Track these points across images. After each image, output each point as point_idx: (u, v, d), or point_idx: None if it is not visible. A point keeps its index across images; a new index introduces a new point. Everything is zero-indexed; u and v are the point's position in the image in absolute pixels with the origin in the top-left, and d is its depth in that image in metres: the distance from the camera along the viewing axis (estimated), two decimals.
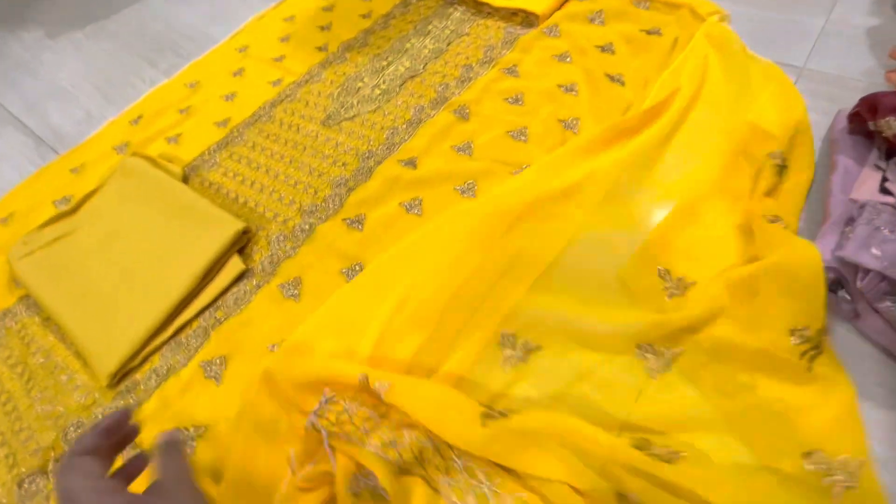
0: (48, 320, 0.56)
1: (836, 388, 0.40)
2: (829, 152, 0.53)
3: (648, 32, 0.71)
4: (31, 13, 1.10)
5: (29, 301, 0.59)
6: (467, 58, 0.76)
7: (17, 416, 0.50)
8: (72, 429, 0.48)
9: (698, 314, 0.45)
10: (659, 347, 0.45)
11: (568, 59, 0.72)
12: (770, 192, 0.52)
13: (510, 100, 0.69)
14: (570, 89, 0.68)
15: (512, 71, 0.72)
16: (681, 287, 0.48)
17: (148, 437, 0.46)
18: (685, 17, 0.71)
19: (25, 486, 0.45)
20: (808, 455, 0.37)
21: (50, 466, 0.46)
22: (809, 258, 0.42)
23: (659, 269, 0.49)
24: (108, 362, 0.50)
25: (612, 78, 0.67)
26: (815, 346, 0.41)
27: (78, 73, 0.94)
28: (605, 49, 0.71)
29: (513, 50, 0.75)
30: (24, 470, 0.46)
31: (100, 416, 0.48)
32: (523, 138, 0.64)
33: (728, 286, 0.45)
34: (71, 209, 0.65)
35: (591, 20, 0.76)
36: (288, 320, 0.52)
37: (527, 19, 0.79)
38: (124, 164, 0.68)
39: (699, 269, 0.49)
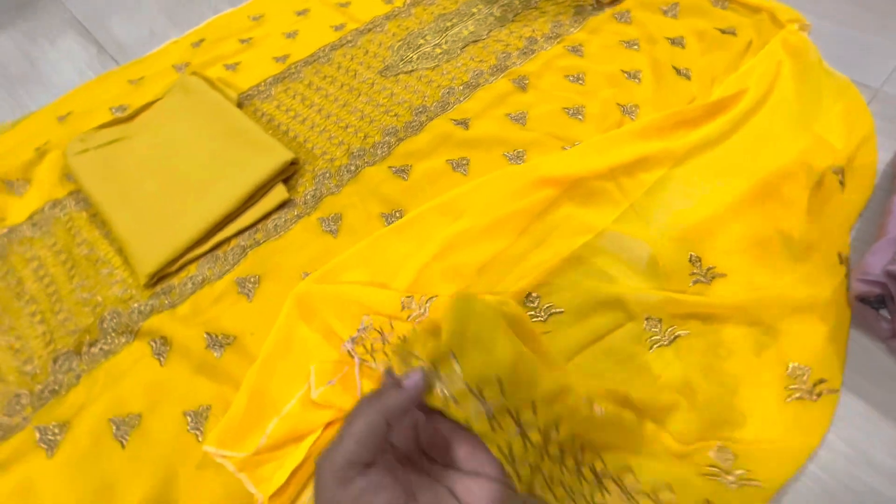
0: (95, 216, 0.58)
1: (804, 430, 0.40)
2: (893, 174, 0.51)
3: (723, 31, 0.70)
4: None
5: (79, 196, 0.61)
6: (533, 30, 0.75)
7: (58, 298, 0.52)
8: (108, 317, 0.50)
9: (713, 304, 0.46)
10: (665, 325, 0.45)
11: (635, 47, 0.71)
12: (822, 207, 0.51)
13: (571, 77, 0.68)
14: (633, 76, 0.67)
15: (577, 50, 0.72)
16: (708, 276, 0.48)
17: (179, 334, 0.48)
18: (764, 21, 0.69)
19: (59, 362, 0.47)
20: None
21: (84, 349, 0.48)
22: (843, 309, 0.42)
23: (691, 255, 0.49)
24: (148, 263, 0.52)
25: (678, 71, 0.66)
26: (808, 391, 0.41)
27: None
28: (675, 42, 0.70)
29: (581, 29, 0.74)
30: (60, 347, 0.48)
31: (136, 312, 0.50)
32: (579, 116, 0.63)
33: (759, 300, 0.45)
34: (128, 116, 0.67)
35: (665, 12, 0.75)
36: (323, 252, 0.53)
37: (598, 1, 0.78)
38: (183, 81, 0.69)
39: (731, 264, 0.49)
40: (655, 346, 0.45)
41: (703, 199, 0.53)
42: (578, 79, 0.68)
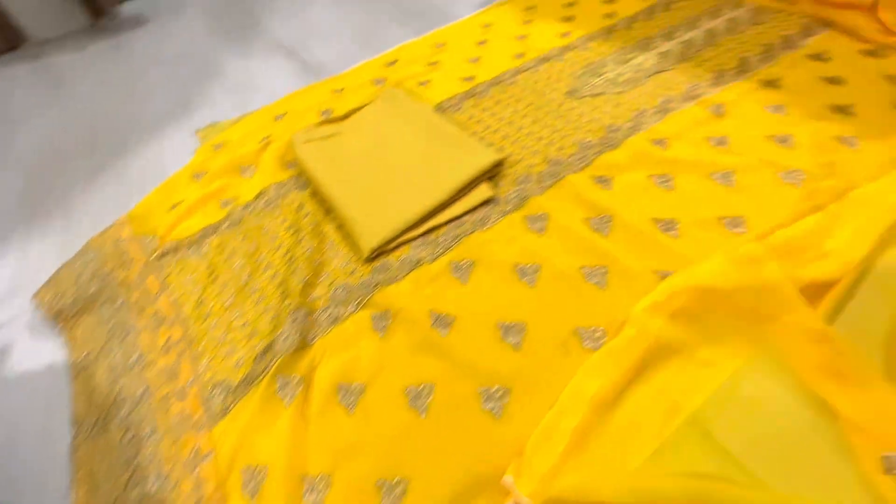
0: (315, 195, 0.65)
1: None
2: None
3: None
4: None
5: (299, 180, 0.68)
6: (719, 65, 0.76)
7: (292, 259, 0.57)
8: (340, 290, 0.54)
9: None
10: None
11: (839, 83, 0.68)
12: None
13: (771, 108, 0.67)
14: (842, 109, 0.64)
15: (772, 84, 0.71)
16: None
17: (406, 309, 0.50)
18: None
19: (295, 317, 0.51)
20: None
21: (307, 300, 0.52)
22: None
23: None
24: (371, 239, 0.56)
25: None
26: None
27: (337, 21, 1.10)
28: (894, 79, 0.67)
29: (774, 65, 0.74)
30: (290, 302, 0.52)
31: (358, 284, 0.54)
32: (787, 144, 0.61)
33: None
34: (341, 116, 0.75)
35: (871, 53, 0.72)
36: (530, 248, 0.55)
37: (787, 39, 0.78)
38: (388, 91, 0.77)
39: None
40: None
41: None
42: (779, 109, 0.67)
